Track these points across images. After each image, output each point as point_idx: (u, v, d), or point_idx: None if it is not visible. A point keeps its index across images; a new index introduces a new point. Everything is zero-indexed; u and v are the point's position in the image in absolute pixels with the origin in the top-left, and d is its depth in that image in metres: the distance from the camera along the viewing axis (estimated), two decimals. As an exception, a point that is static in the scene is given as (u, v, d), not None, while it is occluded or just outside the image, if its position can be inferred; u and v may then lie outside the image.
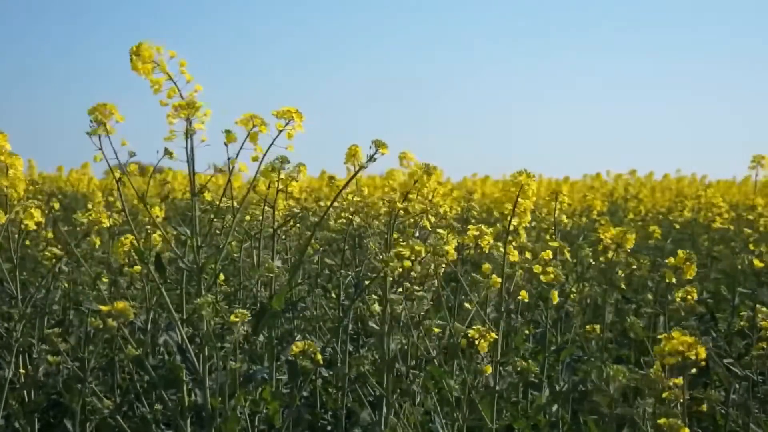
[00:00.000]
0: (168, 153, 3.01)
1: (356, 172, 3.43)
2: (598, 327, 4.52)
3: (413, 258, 3.51)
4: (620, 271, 4.31)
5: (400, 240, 3.80)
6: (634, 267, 4.21)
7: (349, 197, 4.18)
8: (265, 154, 3.14)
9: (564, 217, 4.79)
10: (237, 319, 3.13)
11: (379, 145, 3.34)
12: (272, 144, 3.13)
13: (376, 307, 3.72)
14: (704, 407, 3.48)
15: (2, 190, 3.79)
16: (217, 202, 3.49)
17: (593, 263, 4.44)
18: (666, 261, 4.02)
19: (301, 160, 3.66)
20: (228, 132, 3.09)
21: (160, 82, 3.09)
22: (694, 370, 2.84)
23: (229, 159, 3.06)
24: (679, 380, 2.85)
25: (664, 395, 2.87)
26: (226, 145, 3.08)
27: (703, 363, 2.80)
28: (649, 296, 4.41)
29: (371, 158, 3.33)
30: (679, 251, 3.82)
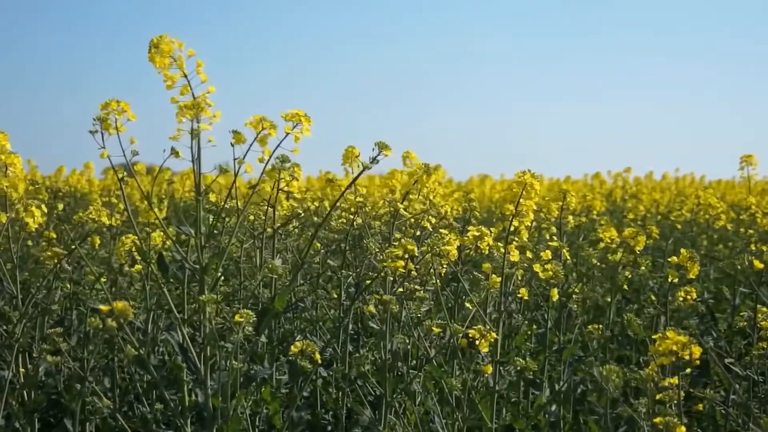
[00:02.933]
0: (174, 152, 3.00)
1: (359, 174, 3.43)
2: (599, 327, 4.53)
3: (406, 257, 3.51)
4: (628, 272, 4.31)
5: (401, 240, 3.80)
6: (643, 268, 4.21)
7: (350, 197, 4.18)
8: (271, 156, 3.14)
9: (570, 217, 4.79)
10: (241, 319, 3.13)
11: (381, 146, 3.33)
12: (278, 146, 3.13)
13: (371, 308, 3.72)
14: (701, 406, 3.48)
15: (2, 190, 3.78)
16: (221, 203, 3.48)
17: (596, 263, 4.44)
18: (666, 261, 4.02)
19: (301, 159, 3.65)
20: (236, 133, 3.08)
21: (174, 79, 3.07)
22: (689, 370, 2.85)
23: (235, 159, 3.06)
24: (674, 379, 2.86)
25: (658, 396, 2.88)
26: (233, 145, 3.07)
27: (698, 362, 2.81)
28: (652, 296, 4.41)
29: (374, 160, 3.33)
30: (683, 250, 3.82)
